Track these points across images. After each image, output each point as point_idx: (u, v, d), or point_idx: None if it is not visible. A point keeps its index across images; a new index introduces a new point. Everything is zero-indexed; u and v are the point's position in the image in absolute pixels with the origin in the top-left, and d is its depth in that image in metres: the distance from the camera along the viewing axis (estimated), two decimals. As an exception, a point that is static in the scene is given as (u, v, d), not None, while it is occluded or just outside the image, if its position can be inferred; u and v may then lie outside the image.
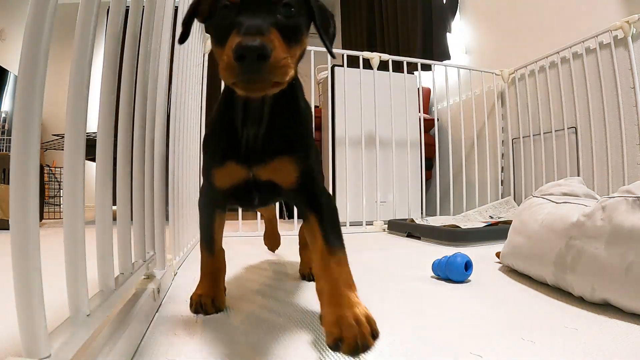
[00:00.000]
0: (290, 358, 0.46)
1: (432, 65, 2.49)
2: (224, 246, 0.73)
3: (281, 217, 2.59)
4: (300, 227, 0.87)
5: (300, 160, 0.56)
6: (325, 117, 2.35)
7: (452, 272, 0.82)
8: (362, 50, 2.13)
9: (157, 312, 0.62)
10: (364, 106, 2.05)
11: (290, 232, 1.81)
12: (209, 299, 0.63)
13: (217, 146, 0.58)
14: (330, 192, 2.15)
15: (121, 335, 0.42)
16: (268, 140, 0.55)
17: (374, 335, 0.43)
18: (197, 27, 1.37)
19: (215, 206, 0.67)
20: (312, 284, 0.81)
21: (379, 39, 3.48)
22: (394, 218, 2.00)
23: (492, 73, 2.26)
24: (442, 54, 2.66)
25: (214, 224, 0.68)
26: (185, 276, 0.89)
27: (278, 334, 0.53)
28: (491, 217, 1.86)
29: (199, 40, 1.51)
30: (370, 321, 0.44)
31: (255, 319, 0.60)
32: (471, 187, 2.28)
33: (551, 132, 1.95)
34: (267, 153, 0.55)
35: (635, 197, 0.61)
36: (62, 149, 0.58)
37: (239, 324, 0.58)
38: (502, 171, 2.30)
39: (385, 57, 2.08)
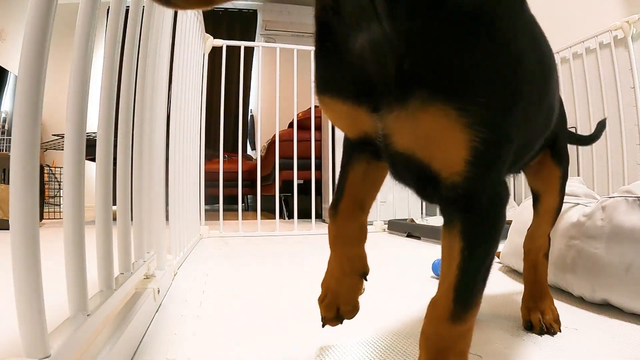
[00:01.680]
0: (290, 357, 0.46)
1: (432, 65, 2.49)
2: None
3: (281, 217, 2.59)
4: None
5: (475, 120, 0.28)
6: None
7: (452, 272, 0.82)
8: (362, 50, 2.12)
9: (157, 312, 0.62)
10: (364, 106, 2.04)
11: (290, 232, 1.81)
12: (332, 304, 0.45)
13: (319, 64, 0.36)
14: (330, 192, 2.15)
15: (121, 335, 0.42)
16: (401, 50, 0.28)
17: None
18: (197, 27, 1.37)
19: (352, 149, 0.44)
20: (312, 283, 0.81)
21: (379, 39, 3.47)
22: (394, 218, 2.00)
23: (492, 73, 2.26)
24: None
25: (348, 171, 0.44)
26: (185, 276, 0.89)
27: (278, 334, 0.53)
28: (491, 217, 1.86)
29: (199, 40, 1.51)
30: None
31: (256, 319, 0.60)
32: (471, 187, 2.27)
33: (551, 132, 1.95)
34: (401, 83, 0.29)
35: (635, 197, 0.61)
36: (62, 149, 0.58)
37: (239, 324, 0.58)
38: (502, 171, 2.30)
39: (385, 57, 2.07)
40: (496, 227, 0.33)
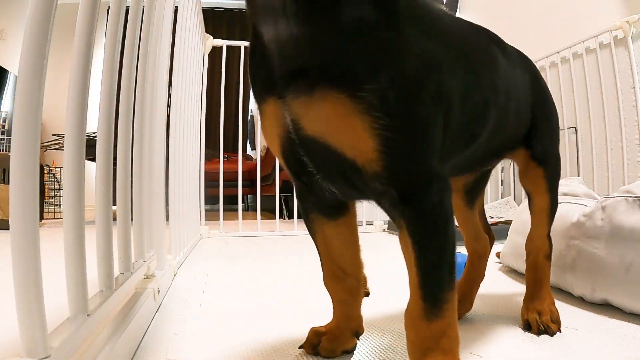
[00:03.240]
0: (290, 357, 0.46)
1: (432, 65, 2.49)
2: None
3: (281, 217, 2.59)
4: None
5: (371, 106, 0.30)
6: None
7: (452, 272, 0.82)
8: (362, 50, 2.12)
9: (157, 312, 0.62)
10: (364, 106, 2.04)
11: (290, 232, 1.81)
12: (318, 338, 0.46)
13: (252, 69, 0.38)
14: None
15: (121, 335, 0.42)
16: (304, 44, 0.31)
17: None
18: (197, 27, 1.37)
19: (305, 212, 0.45)
20: (312, 283, 0.81)
21: (379, 39, 3.47)
22: (394, 218, 2.00)
23: (492, 73, 2.26)
24: (442, 54, 2.66)
25: (316, 239, 0.46)
26: (185, 276, 0.89)
27: (278, 334, 0.53)
28: (491, 217, 1.86)
29: (199, 41, 1.51)
30: None
31: (256, 318, 0.60)
32: (471, 187, 2.27)
33: (551, 132, 1.95)
34: (303, 73, 0.32)
35: (635, 197, 0.61)
36: (62, 149, 0.58)
37: (239, 324, 0.58)
38: (502, 171, 2.30)
39: (385, 57, 2.07)
40: (439, 218, 0.33)
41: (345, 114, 0.31)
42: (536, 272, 0.59)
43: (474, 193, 0.64)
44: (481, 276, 0.63)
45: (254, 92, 0.38)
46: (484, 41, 0.49)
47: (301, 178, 0.40)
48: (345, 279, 0.45)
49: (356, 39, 0.31)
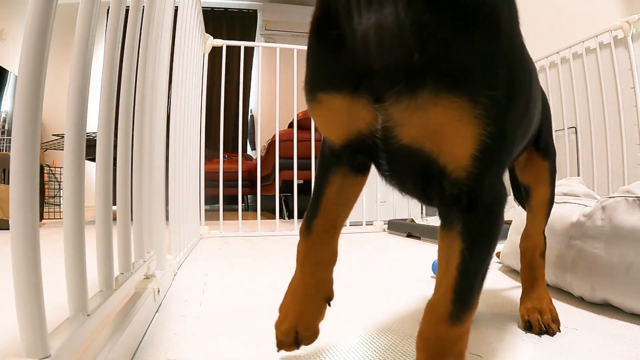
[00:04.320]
0: (290, 357, 0.46)
1: (432, 65, 2.49)
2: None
3: (281, 217, 2.59)
4: None
5: (485, 113, 0.28)
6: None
7: (452, 272, 0.82)
8: (362, 50, 2.12)
9: (157, 312, 0.62)
10: (364, 106, 2.04)
11: (290, 232, 1.81)
12: (291, 328, 0.44)
13: (313, 60, 0.36)
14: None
15: (121, 335, 0.42)
16: (415, 34, 0.28)
17: None
18: (197, 27, 1.37)
19: (331, 161, 0.42)
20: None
21: (379, 39, 3.48)
22: (394, 218, 2.00)
23: (492, 73, 2.26)
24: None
25: (324, 186, 0.42)
26: (185, 276, 0.89)
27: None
28: (491, 217, 1.86)
29: (199, 40, 1.51)
30: None
31: (256, 318, 0.60)
32: (471, 187, 2.27)
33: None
34: (409, 71, 0.28)
35: (635, 197, 0.61)
36: (62, 149, 0.59)
37: (239, 324, 0.58)
38: (502, 171, 2.30)
39: (385, 57, 2.07)
40: (497, 226, 0.33)
41: (458, 121, 0.28)
42: (532, 270, 0.59)
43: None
44: None
45: (310, 83, 0.35)
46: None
47: (352, 163, 0.40)
48: (335, 237, 0.44)
49: (476, 41, 0.28)
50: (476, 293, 0.33)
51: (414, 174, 0.34)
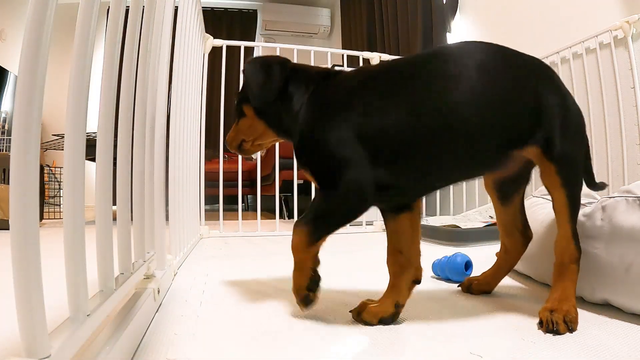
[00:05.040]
0: (290, 357, 0.46)
1: (432, 65, 2.49)
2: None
3: (281, 217, 2.59)
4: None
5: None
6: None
7: (452, 272, 0.82)
8: (362, 50, 2.13)
9: (157, 312, 0.62)
10: (364, 106, 2.04)
11: (290, 232, 1.81)
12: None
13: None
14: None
15: (121, 335, 0.42)
16: None
17: None
18: (197, 27, 1.37)
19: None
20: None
21: (379, 39, 3.48)
22: (394, 218, 1.99)
23: (492, 73, 2.25)
24: (442, 54, 2.66)
25: (386, 226, 0.65)
26: (185, 276, 0.89)
27: (278, 334, 0.53)
28: (491, 217, 1.86)
29: (199, 40, 1.51)
30: None
31: (256, 318, 0.60)
32: (471, 187, 2.28)
33: (551, 132, 1.94)
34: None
35: (635, 197, 0.61)
36: (62, 149, 0.58)
37: (239, 324, 0.58)
38: (502, 171, 2.30)
39: (385, 57, 2.08)
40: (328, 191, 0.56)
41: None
42: (560, 275, 0.59)
43: (508, 191, 0.70)
44: (506, 268, 0.74)
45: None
46: (428, 72, 0.57)
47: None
48: (399, 256, 0.61)
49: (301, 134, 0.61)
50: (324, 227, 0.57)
51: None
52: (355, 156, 0.54)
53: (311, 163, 0.58)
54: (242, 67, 0.81)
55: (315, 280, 0.57)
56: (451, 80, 0.55)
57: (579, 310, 0.62)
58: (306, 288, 0.57)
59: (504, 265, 0.74)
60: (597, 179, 0.73)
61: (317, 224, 0.56)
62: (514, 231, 0.71)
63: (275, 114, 0.64)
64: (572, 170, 0.60)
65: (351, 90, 0.58)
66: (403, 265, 0.60)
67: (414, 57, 0.63)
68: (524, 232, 0.71)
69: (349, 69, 0.74)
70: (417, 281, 0.61)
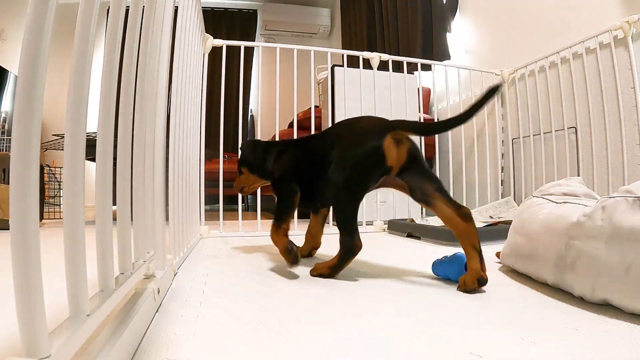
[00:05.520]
0: (290, 357, 0.46)
1: (432, 65, 2.49)
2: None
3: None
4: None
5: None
6: (325, 117, 2.35)
7: (452, 272, 0.82)
8: (362, 50, 2.13)
9: (157, 312, 0.62)
10: (364, 106, 2.05)
11: (290, 232, 1.81)
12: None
13: None
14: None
15: (121, 335, 0.42)
16: None
17: None
18: (197, 27, 1.37)
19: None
20: (312, 283, 0.81)
21: (379, 39, 3.48)
22: (394, 218, 2.00)
23: (492, 73, 2.26)
24: (442, 54, 2.66)
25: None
26: (185, 276, 0.89)
27: (278, 334, 0.53)
28: (491, 217, 1.86)
29: (199, 40, 1.51)
30: None
31: (256, 318, 0.60)
32: (471, 187, 2.28)
33: (551, 132, 1.95)
34: None
35: (635, 197, 0.61)
36: (62, 149, 0.58)
37: (239, 324, 0.58)
38: (502, 171, 2.30)
39: (385, 57, 2.08)
40: (279, 199, 1.01)
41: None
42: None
43: (417, 190, 0.87)
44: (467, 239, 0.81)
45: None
46: (316, 143, 1.02)
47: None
48: (311, 234, 1.16)
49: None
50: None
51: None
52: (290, 187, 1.00)
53: (275, 189, 1.05)
54: (239, 145, 1.37)
55: (291, 248, 0.94)
56: (320, 146, 0.97)
57: (579, 310, 0.63)
58: (286, 252, 0.94)
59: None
60: (597, 179, 0.73)
61: (277, 217, 0.98)
62: (447, 209, 0.83)
63: (261, 170, 1.12)
64: (339, 192, 0.85)
65: (289, 156, 1.06)
66: (310, 239, 1.16)
67: (317, 134, 1.07)
68: (458, 210, 0.81)
69: (294, 138, 1.20)
70: (315, 248, 1.16)
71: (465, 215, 0.80)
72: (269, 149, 1.11)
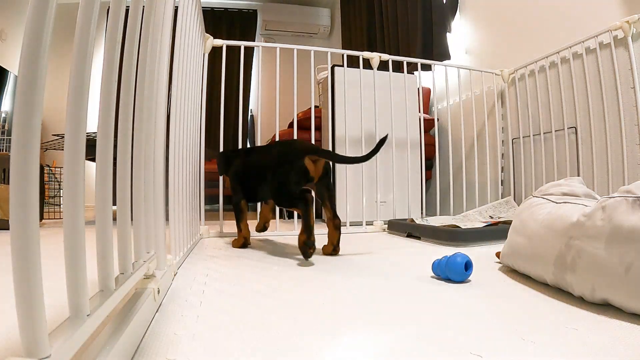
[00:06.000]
0: (290, 357, 0.46)
1: (432, 65, 2.49)
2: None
3: (281, 217, 2.59)
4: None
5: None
6: (325, 117, 2.35)
7: (452, 272, 0.82)
8: (362, 50, 2.13)
9: (157, 312, 0.62)
10: (364, 106, 2.05)
11: (290, 232, 1.81)
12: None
13: None
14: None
15: (121, 335, 0.42)
16: None
17: None
18: (197, 27, 1.37)
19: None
20: (312, 283, 0.81)
21: (379, 39, 3.48)
22: (394, 218, 2.00)
23: (492, 73, 2.26)
24: (442, 54, 2.66)
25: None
26: (185, 276, 0.89)
27: (278, 334, 0.53)
28: (491, 217, 1.86)
29: (199, 40, 1.51)
30: None
31: (256, 319, 0.60)
32: (471, 187, 2.28)
33: (551, 132, 1.95)
34: None
35: (635, 197, 0.61)
36: (62, 149, 0.58)
37: (239, 324, 0.58)
38: (502, 171, 2.30)
39: (385, 57, 2.08)
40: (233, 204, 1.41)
41: None
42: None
43: (319, 194, 1.22)
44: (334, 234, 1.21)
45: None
46: (258, 154, 1.33)
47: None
48: (262, 215, 1.54)
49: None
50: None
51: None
52: (238, 184, 1.36)
53: (231, 187, 1.38)
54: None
55: (244, 244, 1.37)
56: (259, 156, 1.31)
57: (579, 310, 0.63)
58: (241, 245, 1.37)
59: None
60: (597, 179, 0.74)
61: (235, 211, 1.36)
62: (329, 220, 1.22)
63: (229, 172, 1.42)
64: (279, 188, 1.17)
65: (240, 161, 1.37)
66: (262, 217, 1.53)
67: (262, 146, 1.37)
68: (334, 219, 1.21)
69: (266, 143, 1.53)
70: (265, 228, 1.55)
71: (335, 225, 1.19)
72: (233, 156, 1.44)
